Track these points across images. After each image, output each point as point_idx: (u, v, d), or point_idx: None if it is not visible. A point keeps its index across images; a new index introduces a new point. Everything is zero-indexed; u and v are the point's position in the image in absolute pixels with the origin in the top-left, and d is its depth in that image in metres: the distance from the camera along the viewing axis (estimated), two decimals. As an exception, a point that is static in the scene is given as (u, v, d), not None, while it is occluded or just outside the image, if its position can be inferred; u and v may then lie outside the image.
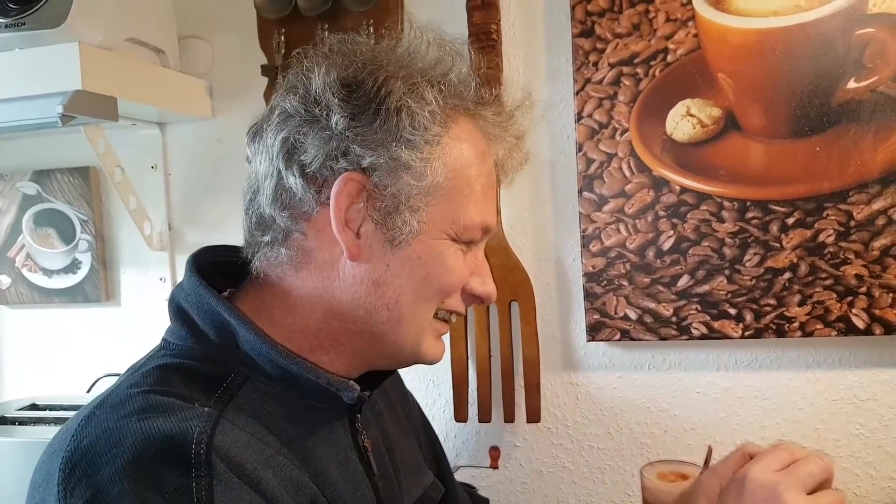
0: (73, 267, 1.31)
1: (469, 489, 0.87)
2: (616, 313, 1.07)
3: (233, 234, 0.63)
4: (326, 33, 1.12)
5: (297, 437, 0.54)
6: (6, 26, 1.00)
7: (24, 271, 1.33)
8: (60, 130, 1.13)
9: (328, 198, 0.54)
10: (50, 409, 1.23)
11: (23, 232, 1.33)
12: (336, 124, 0.54)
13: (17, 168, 1.33)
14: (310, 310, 0.57)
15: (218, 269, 0.61)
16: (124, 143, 1.23)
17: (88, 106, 0.96)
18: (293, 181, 0.55)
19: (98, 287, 1.30)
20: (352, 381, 0.58)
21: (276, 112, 0.57)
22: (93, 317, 1.33)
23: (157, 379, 0.53)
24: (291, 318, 0.57)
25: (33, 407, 1.25)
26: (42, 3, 1.00)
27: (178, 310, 0.58)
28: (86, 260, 1.31)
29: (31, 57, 0.98)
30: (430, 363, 0.62)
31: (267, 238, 0.57)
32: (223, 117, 1.25)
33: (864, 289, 0.99)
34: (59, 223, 1.31)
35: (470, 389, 1.15)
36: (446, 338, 1.12)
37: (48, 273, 1.32)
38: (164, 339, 0.58)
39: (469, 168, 0.58)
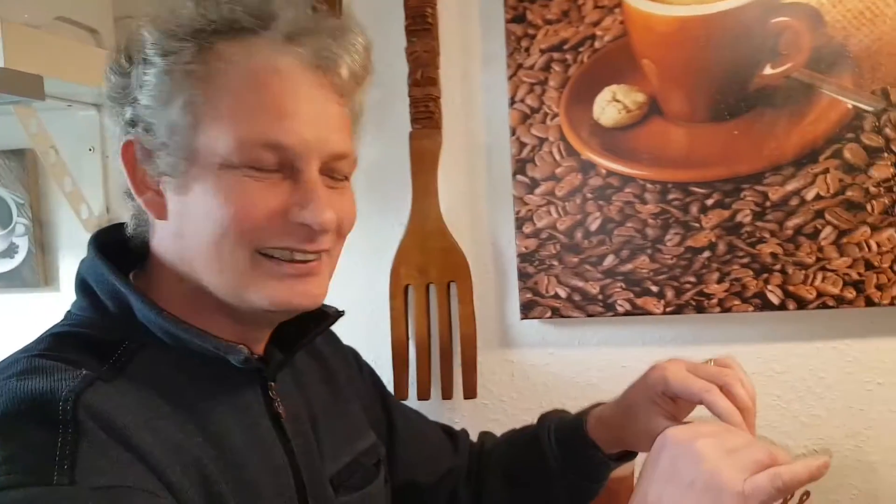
0: (9, 252, 1.30)
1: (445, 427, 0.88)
2: (547, 292, 1.10)
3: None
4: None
5: (193, 401, 0.55)
6: (-75, 3, 0.99)
7: (-41, 256, 1.31)
8: (-7, 113, 1.11)
9: None
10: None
11: (-44, 216, 1.30)
12: (107, 97, 0.57)
13: (-52, 150, 1.30)
14: (168, 278, 0.58)
15: (130, 246, 0.62)
16: (60, 125, 1.22)
17: (12, 84, 0.95)
18: (119, 163, 0.58)
19: (36, 272, 1.29)
20: (240, 346, 0.58)
21: None
22: (31, 302, 1.31)
23: (49, 345, 0.55)
24: (168, 287, 0.59)
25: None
26: (-36, -20, 0.98)
27: (81, 282, 0.59)
28: (23, 244, 1.29)
29: (-50, 35, 0.97)
30: (283, 309, 0.58)
31: (130, 215, 0.61)
32: (161, 99, 1.24)
33: (778, 266, 1.04)
34: (-6, 207, 1.29)
35: (410, 369, 1.17)
36: (385, 318, 1.16)
37: (-17, 258, 1.31)
38: (67, 311, 0.60)
39: (229, 87, 0.54)
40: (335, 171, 0.59)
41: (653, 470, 0.53)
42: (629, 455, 0.77)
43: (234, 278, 0.55)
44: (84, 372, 0.51)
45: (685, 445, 0.52)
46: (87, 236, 1.27)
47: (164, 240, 0.58)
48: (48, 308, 1.29)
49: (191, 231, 0.56)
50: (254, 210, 0.54)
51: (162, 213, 0.57)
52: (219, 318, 0.58)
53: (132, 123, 0.56)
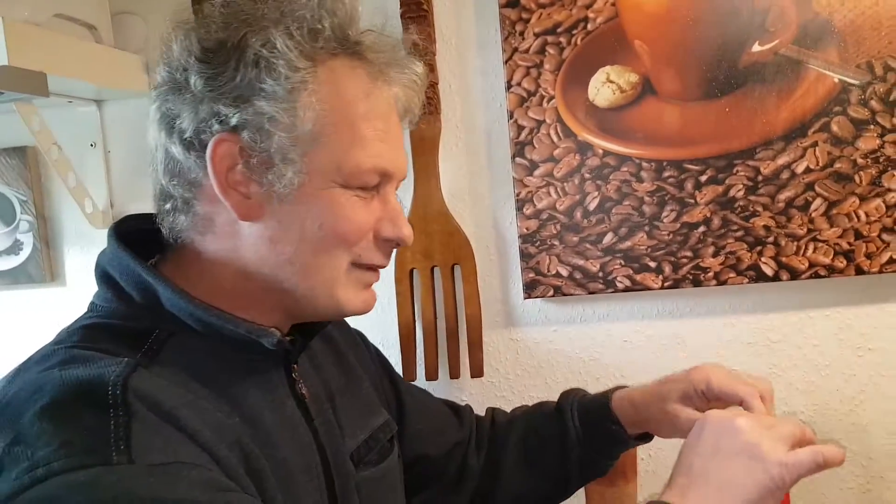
0: (14, 248, 1.31)
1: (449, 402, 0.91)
2: (549, 271, 1.13)
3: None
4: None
5: (226, 384, 0.57)
6: (-73, 4, 0.99)
7: (-36, 255, 1.32)
8: (-6, 111, 1.12)
9: None
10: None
11: (-40, 215, 1.31)
12: (195, 86, 0.55)
13: (-51, 150, 1.31)
14: (221, 272, 0.59)
15: (146, 237, 0.62)
16: (61, 121, 1.22)
17: (16, 81, 0.96)
18: (175, 151, 0.57)
19: (41, 267, 1.30)
20: (272, 329, 0.60)
21: (155, 84, 0.58)
22: (38, 297, 1.32)
23: (82, 337, 0.56)
24: (207, 281, 0.59)
25: (-18, 389, 1.25)
26: (-36, -20, 0.99)
27: (103, 274, 0.60)
28: (27, 240, 1.30)
29: (-46, 35, 0.97)
30: (355, 314, 0.63)
31: (168, 206, 0.59)
32: (161, 93, 1.25)
33: (771, 238, 1.07)
34: (-2, 205, 1.30)
35: (417, 350, 1.20)
36: (391, 301, 1.18)
37: (-11, 255, 1.32)
38: (91, 303, 0.61)
39: (348, 112, 0.57)
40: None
41: (696, 444, 0.59)
42: (645, 438, 0.80)
43: (326, 286, 0.59)
44: (126, 359, 0.52)
45: (727, 422, 0.58)
46: (91, 231, 1.29)
47: (241, 239, 0.58)
48: (55, 303, 1.32)
49: (292, 237, 0.57)
50: (360, 227, 0.59)
51: (250, 215, 0.57)
52: (262, 310, 0.60)
53: (236, 126, 0.55)
